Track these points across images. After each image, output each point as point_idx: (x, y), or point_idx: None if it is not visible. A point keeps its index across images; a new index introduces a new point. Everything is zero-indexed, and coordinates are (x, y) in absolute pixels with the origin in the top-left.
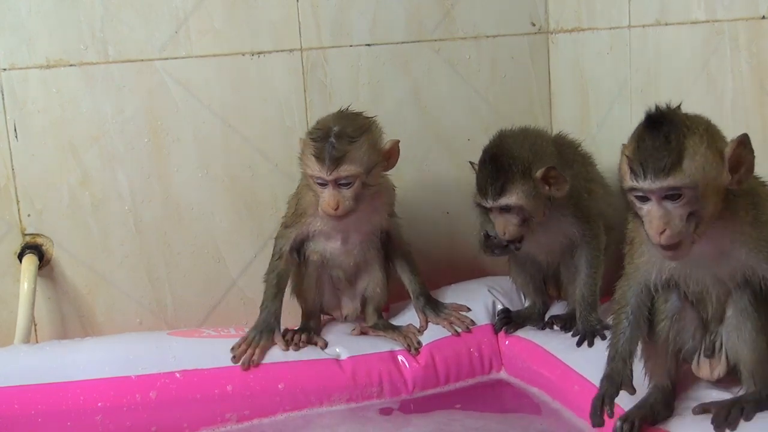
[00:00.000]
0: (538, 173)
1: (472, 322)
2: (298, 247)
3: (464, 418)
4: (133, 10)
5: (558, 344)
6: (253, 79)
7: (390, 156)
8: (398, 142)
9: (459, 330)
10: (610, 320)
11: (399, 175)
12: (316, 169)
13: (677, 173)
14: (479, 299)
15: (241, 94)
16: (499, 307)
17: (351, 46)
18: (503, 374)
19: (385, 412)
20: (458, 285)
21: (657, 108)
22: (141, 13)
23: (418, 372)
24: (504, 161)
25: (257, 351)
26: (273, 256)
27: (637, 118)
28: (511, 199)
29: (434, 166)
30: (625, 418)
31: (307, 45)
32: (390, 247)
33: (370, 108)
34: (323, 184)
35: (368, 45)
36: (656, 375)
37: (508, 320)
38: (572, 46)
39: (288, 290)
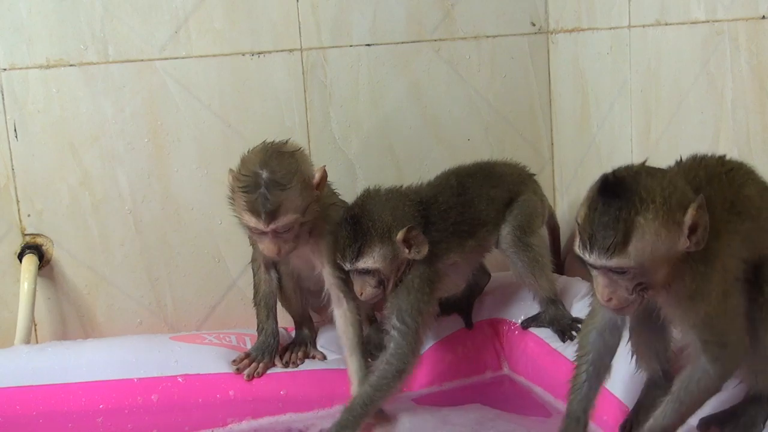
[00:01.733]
0: (399, 235)
1: None
2: (273, 266)
3: (467, 417)
4: (133, 10)
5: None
6: (253, 79)
7: (320, 185)
8: (324, 167)
9: None
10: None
11: (399, 175)
12: (252, 221)
13: (622, 255)
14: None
15: (241, 94)
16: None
17: (351, 46)
18: (507, 371)
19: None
20: None
21: (614, 174)
22: (141, 13)
23: (420, 370)
24: (364, 223)
25: (261, 366)
26: (254, 278)
27: (638, 118)
28: (367, 262)
29: (434, 166)
30: (623, 426)
31: (307, 45)
32: (339, 312)
33: (370, 108)
34: (261, 233)
35: (368, 45)
36: (644, 362)
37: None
38: (572, 46)
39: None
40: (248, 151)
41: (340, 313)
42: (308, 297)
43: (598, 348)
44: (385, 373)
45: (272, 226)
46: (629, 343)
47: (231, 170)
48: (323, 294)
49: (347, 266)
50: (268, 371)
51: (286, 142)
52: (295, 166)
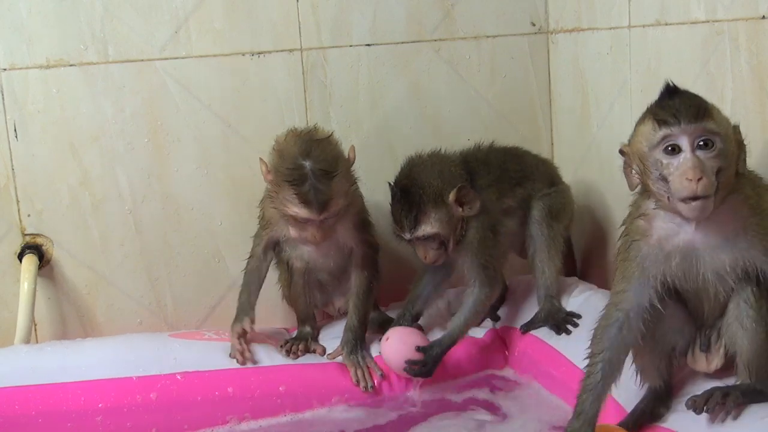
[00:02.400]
0: (451, 196)
1: (373, 387)
2: (273, 248)
3: (468, 416)
4: (133, 10)
5: (565, 342)
6: (253, 79)
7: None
8: (353, 147)
9: (357, 382)
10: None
11: None
12: (303, 213)
13: (710, 118)
14: None
15: (241, 94)
16: None
17: (351, 46)
18: (509, 372)
19: (389, 411)
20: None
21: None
22: (141, 13)
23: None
24: (414, 194)
25: (242, 342)
26: (249, 254)
27: (638, 118)
28: (426, 228)
29: None
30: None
31: (307, 45)
32: (352, 263)
33: (370, 108)
34: (306, 223)
35: (368, 45)
36: (648, 376)
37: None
38: (572, 46)
39: (279, 296)
40: (280, 140)
41: (355, 271)
42: (316, 293)
43: (616, 346)
44: (476, 302)
45: (324, 215)
46: (633, 361)
47: (264, 161)
48: (339, 278)
49: (407, 236)
50: (267, 365)
51: (314, 127)
52: (335, 152)
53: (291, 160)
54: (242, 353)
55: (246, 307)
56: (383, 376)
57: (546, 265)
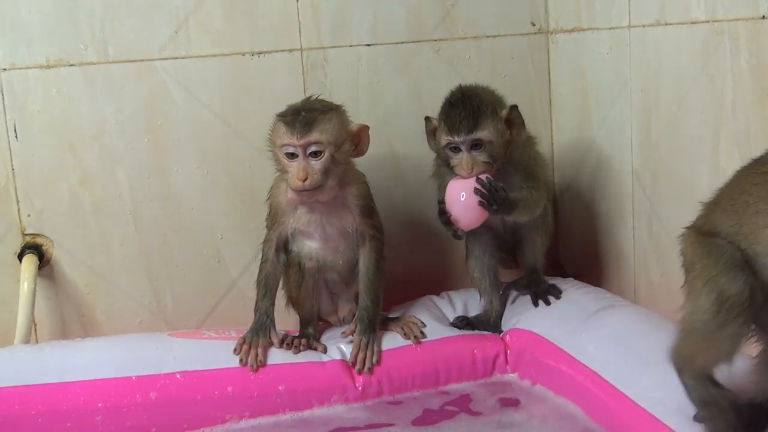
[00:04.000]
0: (504, 113)
1: (370, 371)
2: (284, 249)
3: (470, 416)
4: (133, 10)
5: (563, 336)
6: (253, 79)
7: (359, 140)
8: (368, 127)
9: (357, 366)
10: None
11: (399, 175)
12: (286, 138)
13: None
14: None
15: (241, 94)
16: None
17: (351, 46)
18: (509, 373)
19: (387, 410)
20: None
21: None
22: (141, 13)
23: (417, 371)
24: (474, 100)
25: (260, 350)
26: (261, 260)
27: (638, 118)
28: (483, 133)
29: None
30: None
31: (307, 45)
32: (362, 251)
33: (370, 108)
34: (293, 155)
35: (368, 45)
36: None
37: (466, 325)
38: (572, 46)
39: (282, 302)
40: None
41: (363, 251)
42: (323, 297)
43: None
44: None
45: (305, 139)
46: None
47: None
48: (347, 281)
49: (461, 138)
50: (267, 365)
51: None
52: (334, 106)
53: (289, 106)
54: (260, 364)
55: (271, 317)
56: (378, 362)
57: (538, 237)
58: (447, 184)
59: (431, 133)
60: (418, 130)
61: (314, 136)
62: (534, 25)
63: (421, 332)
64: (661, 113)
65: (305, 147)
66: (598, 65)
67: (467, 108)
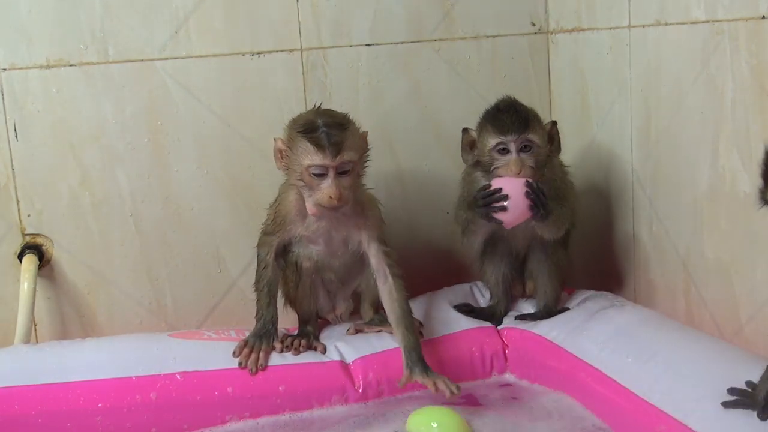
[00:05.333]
0: (547, 125)
1: (458, 389)
2: (282, 253)
3: (470, 415)
4: (133, 10)
5: (564, 335)
6: (253, 79)
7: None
8: (367, 133)
9: (446, 391)
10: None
11: (399, 175)
12: (317, 158)
13: None
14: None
15: (241, 94)
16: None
17: (351, 46)
18: (508, 374)
19: (387, 412)
20: (455, 287)
21: None
22: (141, 13)
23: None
24: (521, 106)
25: (261, 355)
26: (259, 265)
27: (638, 118)
28: (533, 135)
29: (434, 166)
30: None
31: (307, 45)
32: (384, 288)
33: (370, 108)
34: (322, 175)
35: (368, 45)
36: None
37: (469, 312)
38: (572, 46)
39: (280, 301)
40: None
41: (386, 288)
42: (321, 296)
43: None
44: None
45: (338, 160)
46: None
47: (277, 138)
48: (344, 280)
49: (513, 137)
50: (267, 365)
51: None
52: (348, 118)
53: (303, 119)
54: (260, 368)
55: (276, 325)
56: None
57: (550, 281)
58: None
59: (468, 145)
60: (418, 131)
61: (347, 155)
62: (534, 25)
63: (420, 333)
64: (661, 113)
65: (338, 167)
66: (598, 65)
67: (518, 112)
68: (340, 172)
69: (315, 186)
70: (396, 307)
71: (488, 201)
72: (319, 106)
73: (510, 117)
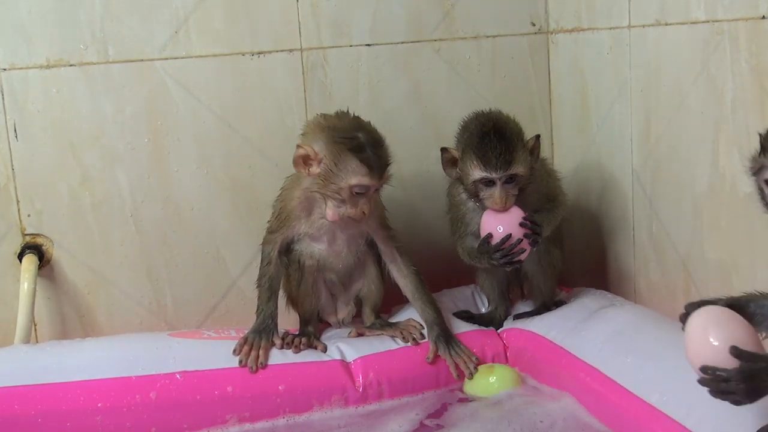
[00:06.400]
0: (530, 143)
1: (476, 369)
2: (285, 251)
3: (471, 415)
4: (133, 10)
5: (563, 335)
6: (253, 79)
7: None
8: None
9: (466, 372)
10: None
11: (399, 176)
12: (365, 180)
13: None
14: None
15: (241, 94)
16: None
17: (351, 46)
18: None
19: (387, 413)
20: (455, 290)
21: None
22: (141, 13)
23: (417, 372)
24: (506, 133)
25: (261, 352)
26: (262, 261)
27: (638, 118)
28: (518, 168)
29: (434, 165)
30: None
31: (307, 45)
32: (394, 267)
33: (370, 108)
34: (361, 193)
35: (368, 45)
36: None
37: (468, 319)
38: (572, 46)
39: (282, 301)
40: (317, 122)
41: (396, 268)
42: (323, 297)
43: None
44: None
45: (382, 182)
46: None
47: (301, 146)
48: (345, 283)
49: (498, 174)
50: (267, 365)
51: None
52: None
53: (344, 133)
54: (260, 366)
55: (275, 320)
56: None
57: (543, 279)
58: (482, 218)
59: (449, 162)
60: (418, 131)
61: (387, 175)
62: (534, 25)
63: (421, 334)
64: (661, 113)
65: (379, 186)
66: (598, 65)
67: (502, 142)
68: (375, 191)
69: (352, 202)
70: (408, 282)
71: (507, 252)
72: (343, 113)
73: (494, 151)
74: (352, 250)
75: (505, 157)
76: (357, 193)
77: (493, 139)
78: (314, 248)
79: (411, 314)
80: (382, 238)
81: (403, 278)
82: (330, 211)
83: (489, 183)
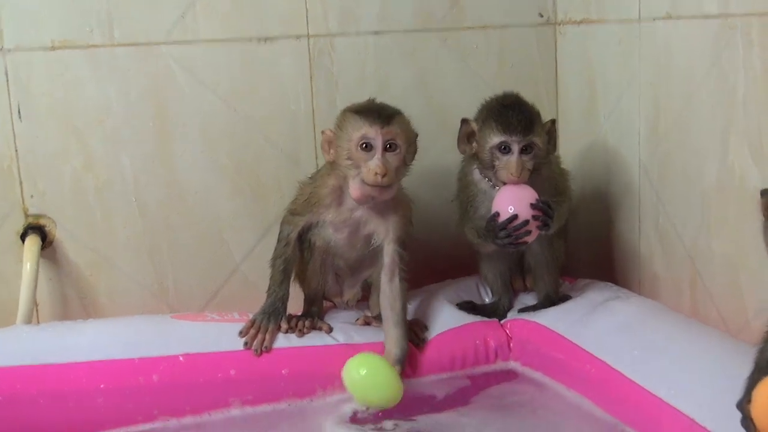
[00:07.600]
0: (547, 124)
1: None
2: (303, 234)
3: (473, 404)
4: None
5: (568, 326)
6: (259, 65)
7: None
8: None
9: None
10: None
11: None
12: (365, 129)
13: None
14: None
15: (247, 79)
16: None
17: (358, 33)
18: (512, 364)
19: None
20: (460, 281)
21: None
22: None
23: (420, 360)
24: (526, 105)
25: (267, 336)
26: (279, 242)
27: (646, 111)
28: (536, 137)
29: (440, 154)
30: None
31: (314, 32)
32: (386, 287)
33: (376, 96)
34: (370, 150)
35: (376, 33)
36: None
37: (472, 310)
38: (581, 38)
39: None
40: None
41: (390, 287)
42: (329, 278)
43: None
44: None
45: (386, 131)
46: None
47: (325, 130)
48: (353, 270)
49: (516, 137)
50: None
51: None
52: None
53: (358, 104)
54: (265, 350)
55: (285, 304)
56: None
57: (547, 271)
58: (495, 196)
59: (466, 136)
60: (425, 119)
61: (394, 128)
62: (542, 16)
63: (425, 335)
64: (670, 107)
65: (385, 139)
66: (607, 58)
67: (523, 111)
68: (388, 149)
69: (362, 163)
70: (397, 305)
71: (511, 233)
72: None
73: (515, 116)
74: (366, 245)
75: (524, 124)
76: (363, 148)
77: (515, 108)
78: (329, 234)
79: (417, 312)
80: (392, 252)
81: (393, 300)
82: (352, 186)
83: (506, 150)
